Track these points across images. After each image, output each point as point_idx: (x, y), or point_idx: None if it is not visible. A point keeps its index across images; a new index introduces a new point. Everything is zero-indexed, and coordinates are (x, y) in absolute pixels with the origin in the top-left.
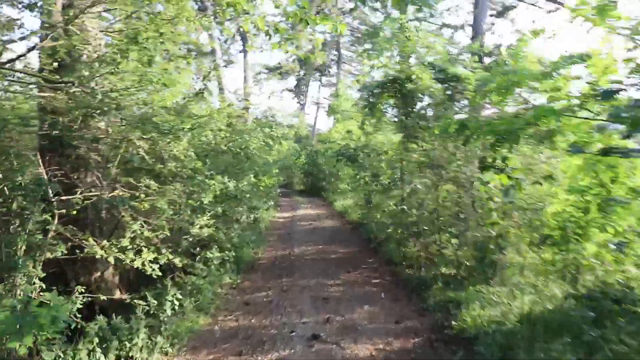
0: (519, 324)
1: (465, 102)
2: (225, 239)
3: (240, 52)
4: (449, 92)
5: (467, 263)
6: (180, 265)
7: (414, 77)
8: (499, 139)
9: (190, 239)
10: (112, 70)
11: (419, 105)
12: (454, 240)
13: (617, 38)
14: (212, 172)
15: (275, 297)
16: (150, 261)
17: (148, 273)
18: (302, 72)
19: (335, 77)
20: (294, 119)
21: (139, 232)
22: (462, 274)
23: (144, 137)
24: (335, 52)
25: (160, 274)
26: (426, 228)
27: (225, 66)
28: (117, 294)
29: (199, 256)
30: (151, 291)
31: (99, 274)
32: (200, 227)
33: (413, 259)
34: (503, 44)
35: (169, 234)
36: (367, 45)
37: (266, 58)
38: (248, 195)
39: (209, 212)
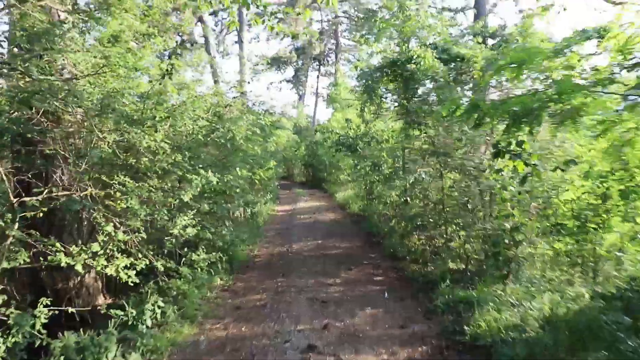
0: (540, 330)
1: (471, 84)
2: (215, 238)
3: (235, 42)
4: (453, 73)
5: (477, 257)
6: (162, 269)
7: (415, 57)
8: (516, 120)
9: (174, 240)
10: (59, 49)
11: (420, 90)
12: (461, 233)
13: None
14: (194, 165)
15: (270, 300)
16: (125, 267)
17: (123, 281)
18: (300, 62)
19: (333, 66)
20: (292, 110)
21: (113, 234)
22: (472, 268)
23: (112, 128)
24: (333, 41)
25: (137, 280)
26: (432, 220)
27: (222, 57)
28: (101, 300)
29: (184, 258)
30: (131, 299)
31: (77, 279)
32: (184, 227)
33: (418, 254)
34: (507, 25)
35: (145, 237)
36: (365, 31)
37: (264, 49)
38: (238, 190)
39: (193, 209)
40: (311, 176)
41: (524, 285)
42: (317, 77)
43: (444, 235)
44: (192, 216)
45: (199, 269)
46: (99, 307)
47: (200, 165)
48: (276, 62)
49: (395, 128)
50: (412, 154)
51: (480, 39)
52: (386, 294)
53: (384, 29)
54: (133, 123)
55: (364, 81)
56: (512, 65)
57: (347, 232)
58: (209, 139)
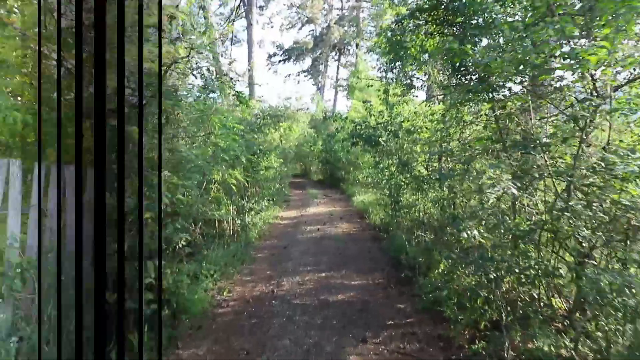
0: None
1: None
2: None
3: (245, 28)
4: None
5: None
6: None
7: None
8: None
9: None
10: None
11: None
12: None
13: None
14: None
15: None
16: None
17: None
18: (318, 51)
19: (354, 56)
20: (311, 104)
21: None
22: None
23: None
24: (354, 29)
25: None
26: (517, 270)
27: (232, 44)
28: None
29: None
30: None
31: None
32: None
33: (478, 312)
34: None
35: None
36: None
37: (277, 35)
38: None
39: None
40: (328, 174)
41: None
42: (337, 67)
43: (542, 297)
44: None
45: None
46: None
47: None
48: (293, 52)
49: (436, 110)
50: (464, 149)
51: None
52: None
53: None
54: None
55: (389, 35)
56: None
57: (365, 256)
58: None
